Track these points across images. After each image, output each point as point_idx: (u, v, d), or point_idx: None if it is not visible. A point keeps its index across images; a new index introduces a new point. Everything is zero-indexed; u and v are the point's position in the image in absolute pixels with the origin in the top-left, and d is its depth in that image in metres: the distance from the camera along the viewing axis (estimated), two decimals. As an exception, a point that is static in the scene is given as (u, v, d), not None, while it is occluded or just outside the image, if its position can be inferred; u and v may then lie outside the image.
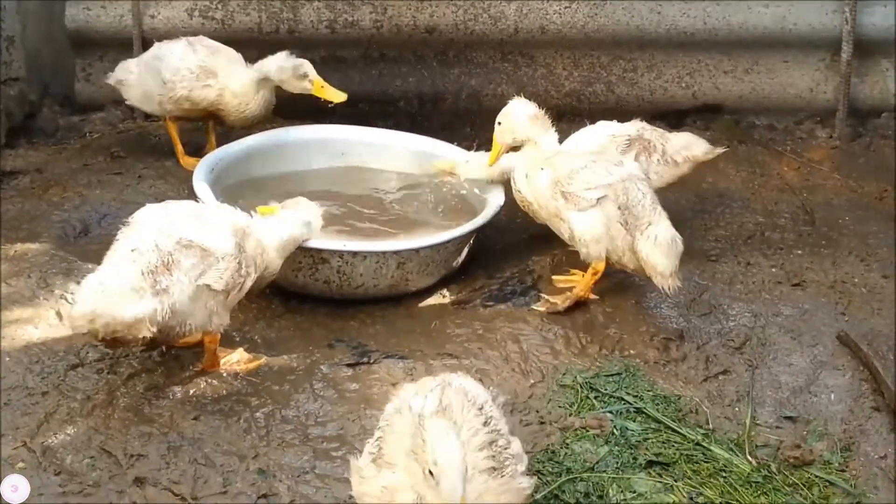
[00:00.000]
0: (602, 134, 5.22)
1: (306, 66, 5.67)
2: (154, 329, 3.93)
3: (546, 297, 4.85)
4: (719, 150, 5.33)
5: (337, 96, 5.68)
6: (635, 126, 5.28)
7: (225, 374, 4.29)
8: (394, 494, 3.09)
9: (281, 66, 5.68)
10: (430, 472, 2.91)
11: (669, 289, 4.56)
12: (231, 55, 5.85)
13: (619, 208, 4.62)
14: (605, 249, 4.66)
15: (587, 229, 4.65)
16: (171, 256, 4.00)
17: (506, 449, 3.26)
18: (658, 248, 4.55)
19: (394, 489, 3.09)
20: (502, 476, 3.16)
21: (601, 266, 4.71)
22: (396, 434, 3.19)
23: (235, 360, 4.37)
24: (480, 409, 3.28)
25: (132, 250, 4.01)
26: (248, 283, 4.26)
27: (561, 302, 4.77)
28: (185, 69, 5.74)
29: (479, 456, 3.13)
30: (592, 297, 4.82)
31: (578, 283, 4.80)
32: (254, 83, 5.73)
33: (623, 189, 4.64)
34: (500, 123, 5.00)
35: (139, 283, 3.92)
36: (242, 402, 4.18)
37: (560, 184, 4.70)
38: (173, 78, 5.75)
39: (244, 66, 5.81)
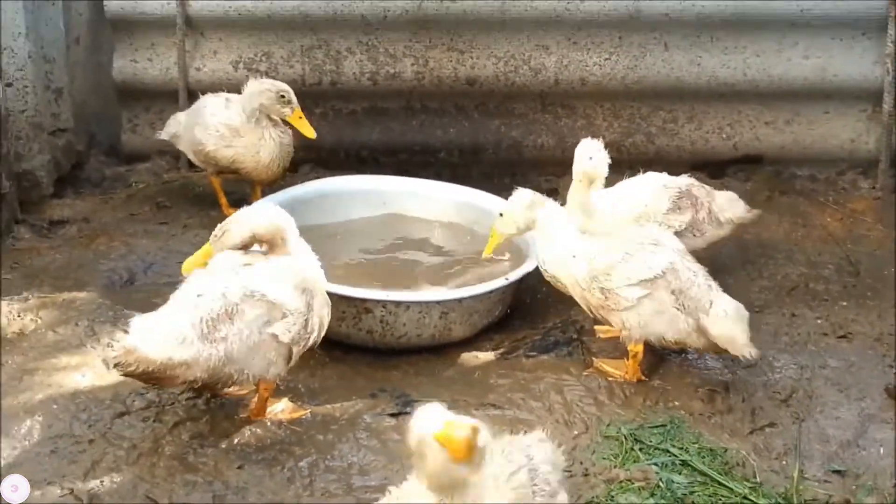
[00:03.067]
0: (654, 184, 5.20)
1: (290, 92, 5.75)
2: (201, 375, 3.96)
3: (601, 364, 4.76)
4: (756, 212, 5.35)
5: (309, 132, 5.76)
6: (685, 181, 5.26)
7: (269, 424, 4.29)
8: None
9: (263, 89, 5.73)
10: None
11: (751, 356, 4.43)
12: (243, 96, 5.87)
13: (673, 293, 4.50)
14: (646, 333, 4.56)
15: (633, 319, 4.54)
16: (236, 306, 4.04)
17: (552, 497, 3.23)
18: (730, 321, 4.44)
19: None
20: None
21: (640, 348, 4.60)
22: None
23: (280, 409, 4.38)
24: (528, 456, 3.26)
25: (198, 295, 4.05)
26: (312, 341, 4.28)
27: (622, 376, 4.68)
28: (213, 126, 5.83)
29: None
30: (643, 378, 4.70)
31: (626, 371, 4.68)
32: (254, 126, 5.76)
33: (673, 275, 4.51)
34: (501, 215, 4.87)
35: (193, 327, 3.95)
36: (286, 451, 4.18)
37: (597, 279, 4.56)
38: (202, 134, 5.85)
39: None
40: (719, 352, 4.56)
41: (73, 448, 4.12)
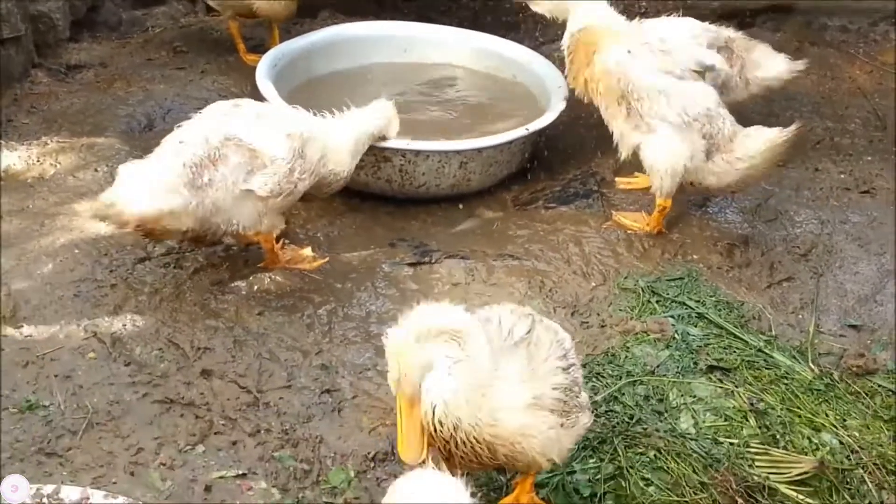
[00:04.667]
0: (687, 32, 4.89)
1: None
2: (191, 223, 3.94)
3: (619, 217, 4.72)
4: (799, 66, 5.10)
5: None
6: (725, 32, 5.00)
7: (289, 271, 4.32)
8: None
9: None
10: None
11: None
12: None
13: (704, 137, 4.42)
14: (677, 185, 4.48)
15: (665, 158, 4.44)
16: (218, 151, 3.99)
17: (577, 397, 3.22)
18: (758, 134, 4.41)
19: None
20: (563, 423, 3.13)
21: (668, 202, 4.53)
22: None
23: (306, 255, 4.38)
24: (565, 354, 3.22)
25: (180, 142, 4.02)
26: (301, 188, 4.19)
27: (641, 229, 4.64)
28: None
29: (550, 395, 3.09)
30: (664, 230, 4.66)
31: (647, 223, 4.64)
32: None
33: (707, 119, 4.42)
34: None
35: (178, 175, 3.91)
36: (305, 298, 4.23)
37: (628, 95, 4.44)
38: None
39: None
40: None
41: (96, 292, 4.17)
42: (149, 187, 3.87)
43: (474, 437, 2.99)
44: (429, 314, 2.93)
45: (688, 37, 4.89)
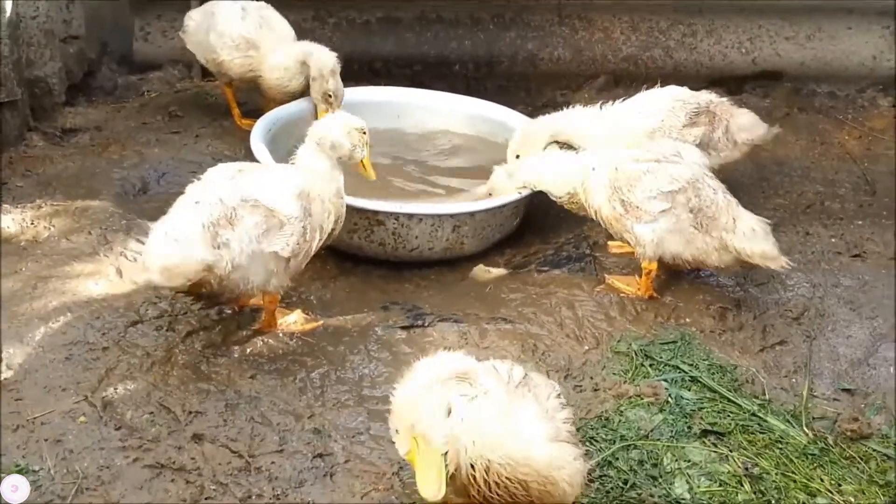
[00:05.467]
0: (671, 98, 5.11)
1: (339, 99, 5.56)
2: (214, 280, 3.95)
3: (612, 280, 4.74)
4: (775, 131, 5.23)
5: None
6: (706, 96, 5.16)
7: (281, 335, 4.32)
8: None
9: (323, 74, 5.54)
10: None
11: (785, 266, 4.42)
12: (284, 31, 5.78)
13: (692, 211, 4.45)
14: (661, 251, 4.52)
15: (650, 235, 4.50)
16: (235, 212, 4.02)
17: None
18: (757, 237, 4.41)
19: None
20: (579, 456, 3.20)
21: (654, 265, 4.57)
22: None
23: (293, 320, 4.40)
24: (559, 394, 3.33)
25: (196, 203, 4.03)
26: (314, 248, 4.25)
27: (633, 293, 4.66)
28: (228, 36, 5.74)
29: (564, 428, 3.18)
30: (655, 295, 4.68)
31: (638, 287, 4.66)
32: (297, 64, 5.66)
33: (694, 191, 4.46)
34: (489, 195, 4.95)
35: (201, 233, 3.92)
36: (298, 362, 4.21)
37: (619, 191, 4.50)
38: (217, 42, 5.76)
39: (292, 43, 5.74)
40: (744, 266, 4.54)
41: (88, 355, 4.15)
42: (182, 241, 3.86)
43: (506, 477, 3.03)
44: (434, 362, 2.98)
45: (669, 105, 5.00)
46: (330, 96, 5.56)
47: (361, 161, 4.47)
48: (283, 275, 4.17)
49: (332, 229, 4.37)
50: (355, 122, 4.41)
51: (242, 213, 4.02)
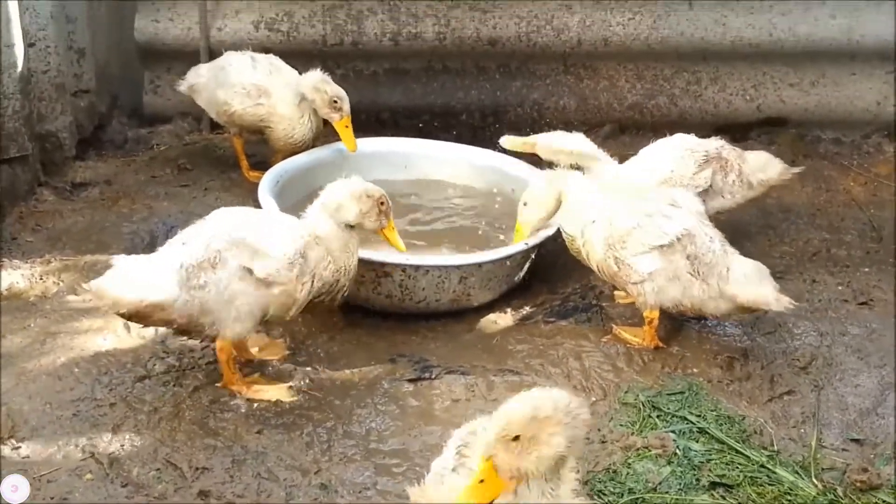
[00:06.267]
0: (679, 147, 5.13)
1: (345, 100, 5.66)
2: (176, 317, 4.05)
3: (619, 331, 4.75)
4: (795, 170, 5.27)
5: (351, 142, 5.68)
6: (715, 143, 5.18)
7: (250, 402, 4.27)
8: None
9: (319, 87, 5.65)
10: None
11: (787, 307, 4.39)
12: (290, 78, 5.86)
13: (689, 258, 4.46)
14: (661, 300, 4.52)
15: (647, 285, 4.50)
16: (219, 255, 4.08)
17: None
18: (754, 282, 4.41)
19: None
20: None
21: (655, 314, 4.58)
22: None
23: (270, 396, 4.32)
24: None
25: (183, 243, 4.13)
26: (304, 295, 4.24)
27: (640, 343, 4.66)
28: (240, 85, 5.81)
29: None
30: (661, 345, 4.67)
31: (642, 338, 4.66)
32: (297, 106, 5.74)
33: (689, 239, 4.46)
34: (525, 204, 4.81)
35: (173, 272, 4.03)
36: (305, 416, 4.22)
37: (613, 248, 4.52)
38: (228, 93, 5.83)
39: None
40: (745, 312, 4.53)
41: (95, 411, 4.17)
42: (135, 278, 4.02)
43: None
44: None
45: (678, 154, 5.03)
46: (336, 101, 5.64)
47: (383, 231, 4.49)
48: (248, 319, 4.15)
49: (337, 281, 4.37)
50: (368, 188, 4.41)
51: (227, 256, 4.08)
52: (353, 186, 4.41)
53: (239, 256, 4.10)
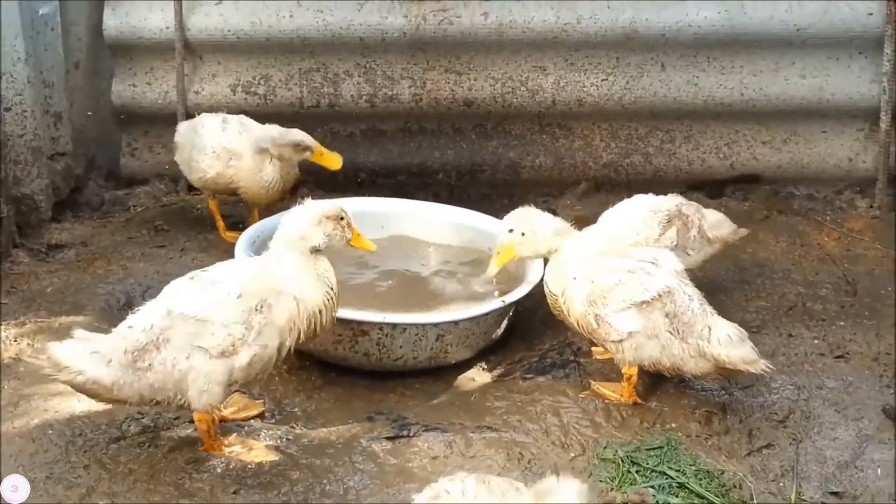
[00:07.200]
0: (641, 208, 5.16)
1: (306, 139, 5.76)
2: (124, 397, 4.02)
3: (597, 386, 4.73)
4: (743, 232, 5.34)
5: (334, 161, 5.77)
6: (674, 200, 5.22)
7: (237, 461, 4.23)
8: None
9: (277, 142, 5.75)
10: None
11: (765, 370, 4.39)
12: (259, 135, 5.87)
13: (667, 316, 4.47)
14: (640, 357, 4.52)
15: (626, 343, 4.50)
16: (161, 335, 4.03)
17: None
18: (736, 344, 4.40)
19: None
20: None
21: (634, 370, 4.58)
22: None
23: (239, 451, 4.28)
24: None
25: (129, 327, 4.10)
26: (270, 353, 4.13)
27: (618, 399, 4.65)
28: (210, 147, 5.85)
29: None
30: (639, 400, 4.66)
31: (620, 394, 4.65)
32: (257, 156, 5.79)
33: (668, 297, 4.47)
34: (523, 234, 4.64)
35: (118, 353, 4.00)
36: (282, 475, 4.17)
37: (594, 304, 4.51)
38: (198, 156, 5.86)
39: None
40: (723, 374, 4.54)
41: (69, 474, 4.11)
42: (82, 354, 4.00)
43: None
44: None
45: (642, 217, 5.06)
46: (299, 144, 5.74)
47: (350, 243, 4.41)
48: (215, 388, 4.08)
49: (320, 311, 4.22)
50: (325, 210, 4.30)
51: (170, 335, 4.03)
52: (309, 214, 4.29)
53: (183, 333, 4.03)
